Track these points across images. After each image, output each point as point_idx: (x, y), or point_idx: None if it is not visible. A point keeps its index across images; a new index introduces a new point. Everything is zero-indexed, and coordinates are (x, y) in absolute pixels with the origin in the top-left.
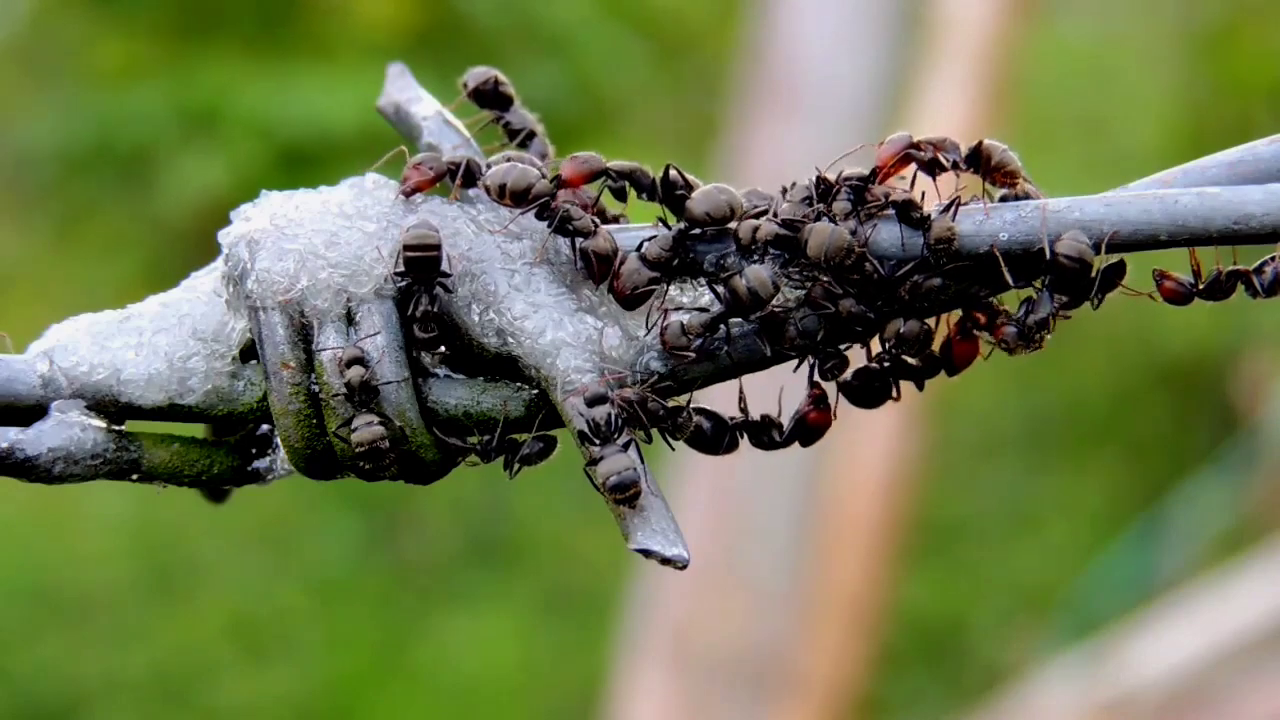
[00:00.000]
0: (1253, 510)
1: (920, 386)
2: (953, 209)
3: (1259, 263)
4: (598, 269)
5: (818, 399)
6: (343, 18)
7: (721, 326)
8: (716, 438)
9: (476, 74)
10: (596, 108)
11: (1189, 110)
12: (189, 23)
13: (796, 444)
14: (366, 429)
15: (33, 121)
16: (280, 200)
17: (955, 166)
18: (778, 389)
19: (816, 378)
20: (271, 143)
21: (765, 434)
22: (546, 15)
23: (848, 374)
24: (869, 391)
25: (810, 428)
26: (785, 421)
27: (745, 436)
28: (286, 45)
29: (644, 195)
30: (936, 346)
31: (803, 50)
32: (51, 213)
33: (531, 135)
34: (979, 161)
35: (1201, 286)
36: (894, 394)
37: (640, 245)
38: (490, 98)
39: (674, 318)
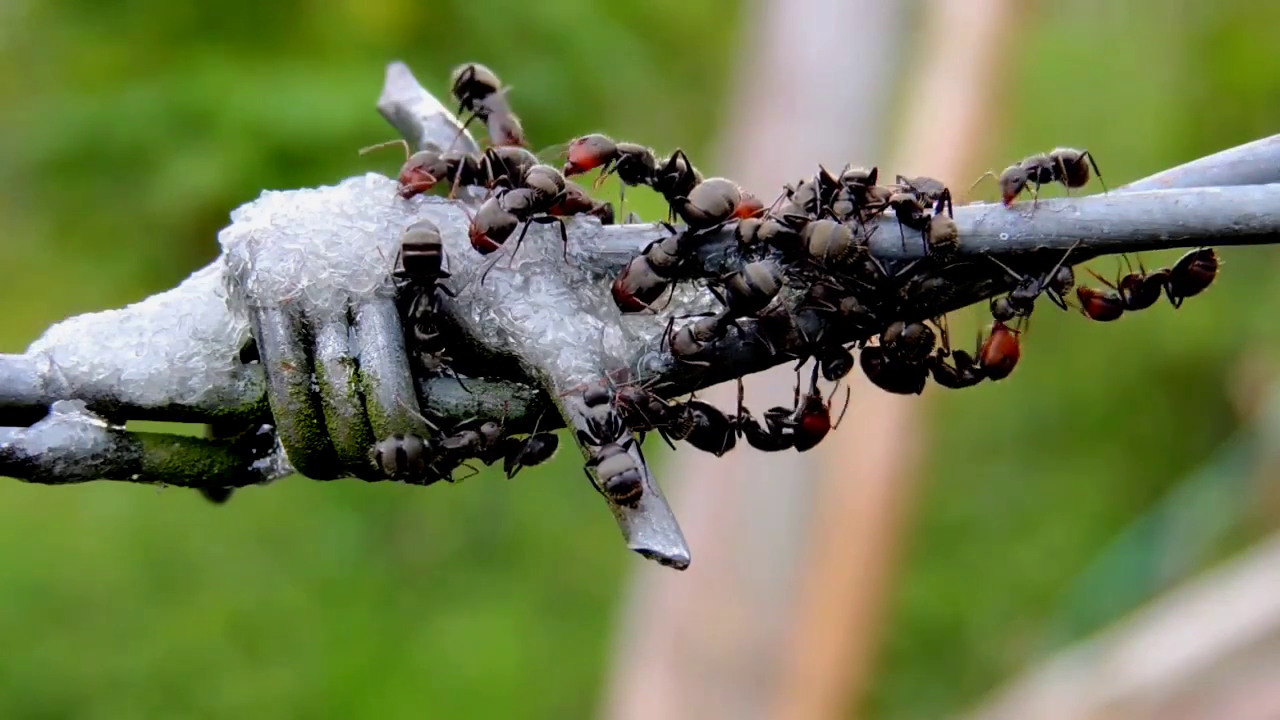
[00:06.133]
0: (1253, 510)
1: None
2: (947, 208)
3: (1177, 264)
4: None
5: (812, 403)
6: (337, 18)
7: (729, 327)
8: (715, 435)
9: (459, 71)
10: (594, 107)
11: (1189, 111)
12: (183, 24)
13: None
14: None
15: (28, 124)
16: (281, 200)
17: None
18: (779, 387)
19: (819, 378)
20: (266, 144)
21: (765, 434)
22: (543, 14)
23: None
24: (898, 375)
25: (808, 432)
26: (789, 421)
27: (743, 436)
28: (281, 46)
29: (649, 179)
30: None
31: (803, 50)
32: (49, 214)
33: (486, 114)
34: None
35: (1127, 298)
36: (919, 387)
37: (648, 248)
38: (467, 87)
39: (680, 324)
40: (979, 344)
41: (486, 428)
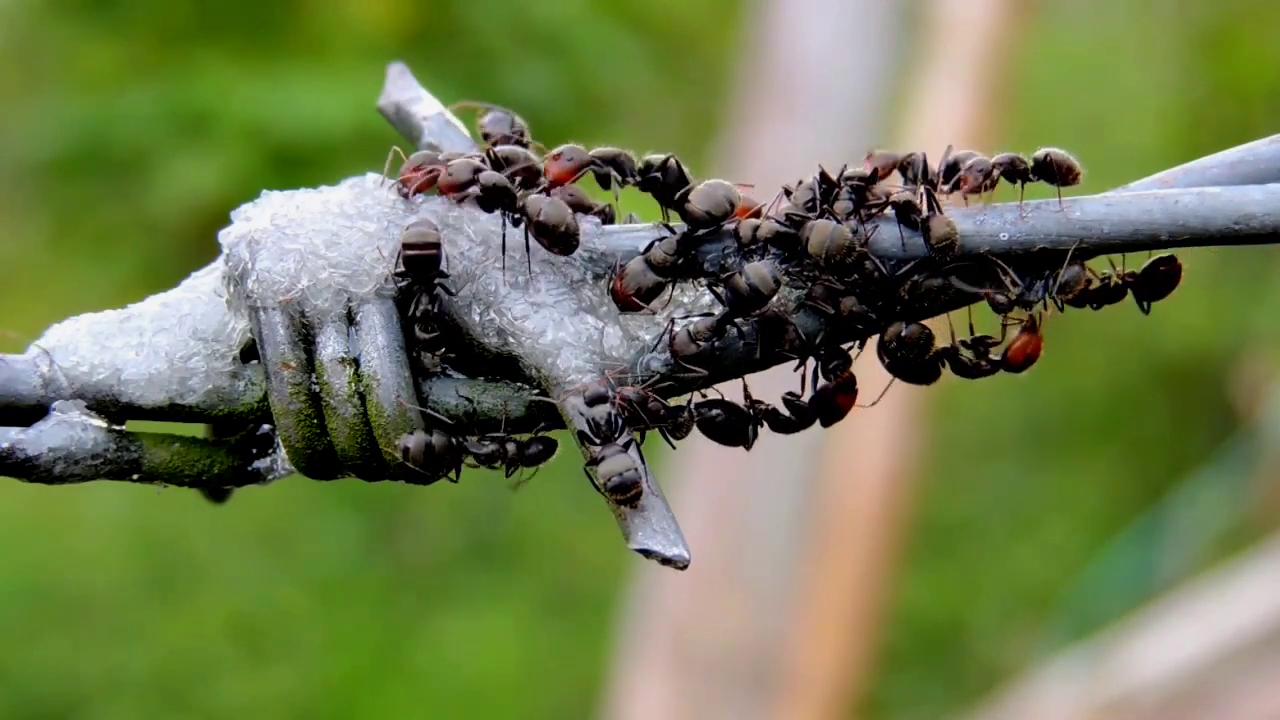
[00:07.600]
0: (1253, 510)
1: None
2: (935, 206)
3: (1144, 269)
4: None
5: (845, 384)
6: (337, 18)
7: (728, 327)
8: (735, 429)
9: (498, 120)
10: (593, 107)
11: (1188, 111)
12: (182, 24)
13: (817, 422)
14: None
15: (28, 124)
16: (281, 200)
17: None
18: (778, 381)
19: (821, 379)
20: (266, 144)
21: (786, 417)
22: (542, 14)
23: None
24: (914, 366)
25: (838, 408)
26: (805, 402)
27: (765, 424)
28: (280, 46)
29: (630, 180)
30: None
31: (803, 50)
32: (49, 214)
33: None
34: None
35: (1093, 290)
36: (934, 377)
37: (649, 247)
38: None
39: (679, 325)
40: (1001, 335)
41: (511, 445)
